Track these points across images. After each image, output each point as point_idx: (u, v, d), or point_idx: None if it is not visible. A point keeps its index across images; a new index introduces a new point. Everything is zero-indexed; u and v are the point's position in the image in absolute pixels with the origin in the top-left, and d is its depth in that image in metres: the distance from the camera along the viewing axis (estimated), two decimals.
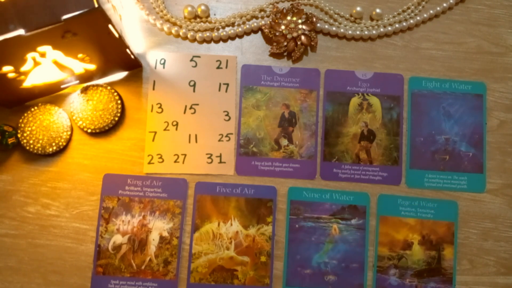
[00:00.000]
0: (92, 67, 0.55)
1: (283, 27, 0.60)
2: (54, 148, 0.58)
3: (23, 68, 0.49)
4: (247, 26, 0.61)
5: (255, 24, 0.61)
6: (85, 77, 0.57)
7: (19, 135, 0.58)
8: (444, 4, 0.63)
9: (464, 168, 0.59)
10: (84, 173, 0.58)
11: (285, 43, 0.60)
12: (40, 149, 0.57)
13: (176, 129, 0.59)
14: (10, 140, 0.57)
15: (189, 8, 0.61)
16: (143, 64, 0.60)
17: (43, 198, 0.58)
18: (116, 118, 0.58)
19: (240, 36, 0.62)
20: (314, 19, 0.60)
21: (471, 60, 0.62)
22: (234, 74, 0.61)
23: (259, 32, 0.62)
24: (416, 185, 0.59)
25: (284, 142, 0.60)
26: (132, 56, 0.56)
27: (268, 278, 0.57)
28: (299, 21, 0.60)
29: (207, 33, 0.61)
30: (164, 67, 0.61)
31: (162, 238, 0.57)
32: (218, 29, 0.62)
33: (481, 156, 0.60)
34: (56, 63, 0.51)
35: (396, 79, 0.61)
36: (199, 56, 0.61)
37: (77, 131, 0.59)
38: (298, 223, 0.58)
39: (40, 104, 0.58)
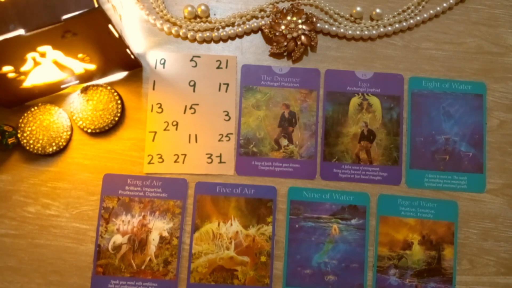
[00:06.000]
0: (92, 67, 0.55)
1: (283, 27, 0.60)
2: (54, 148, 0.58)
3: (23, 68, 0.49)
4: (247, 26, 0.61)
5: (255, 24, 0.61)
6: (85, 77, 0.57)
7: (19, 135, 0.58)
8: (444, 4, 0.63)
9: (464, 168, 0.59)
10: (84, 173, 0.58)
11: (285, 43, 0.60)
12: (40, 149, 0.57)
13: (176, 129, 0.59)
14: (10, 140, 0.57)
15: (189, 8, 0.61)
16: (143, 64, 0.60)
17: (43, 198, 0.58)
18: (116, 118, 0.58)
19: (240, 36, 0.62)
20: (314, 19, 0.60)
21: (471, 60, 0.62)
22: (234, 74, 0.61)
23: (259, 32, 0.62)
24: (416, 185, 0.59)
25: (284, 142, 0.60)
26: (132, 56, 0.56)
27: (268, 278, 0.57)
28: (299, 21, 0.60)
29: (207, 33, 0.61)
30: (164, 67, 0.61)
31: (162, 238, 0.57)
32: (218, 29, 0.62)
33: (481, 156, 0.60)
34: (56, 63, 0.51)
35: (396, 79, 0.61)
36: (199, 56, 0.61)
37: (77, 131, 0.59)
38: (298, 223, 0.58)
39: (40, 104, 0.58)
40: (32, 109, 0.58)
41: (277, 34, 0.60)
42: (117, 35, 0.50)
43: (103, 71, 0.58)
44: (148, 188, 0.58)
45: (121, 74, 0.60)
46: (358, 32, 0.61)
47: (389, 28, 0.62)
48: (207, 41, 0.62)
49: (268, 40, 0.62)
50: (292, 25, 0.60)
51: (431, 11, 0.62)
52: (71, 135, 0.59)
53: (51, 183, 0.58)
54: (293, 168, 0.59)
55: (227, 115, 0.60)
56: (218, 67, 0.61)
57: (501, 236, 0.58)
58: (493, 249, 0.58)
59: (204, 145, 0.59)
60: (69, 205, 0.58)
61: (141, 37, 0.61)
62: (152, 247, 0.57)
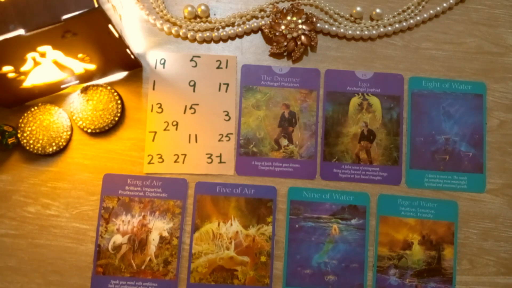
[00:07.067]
0: (92, 67, 0.55)
1: (283, 27, 0.60)
2: (54, 148, 0.58)
3: (23, 68, 0.49)
4: (247, 26, 0.61)
5: (255, 24, 0.61)
6: (85, 77, 0.57)
7: (19, 135, 0.58)
8: (444, 4, 0.63)
9: (464, 168, 0.59)
10: (84, 173, 0.58)
11: (285, 43, 0.60)
12: (40, 149, 0.57)
13: (176, 129, 0.59)
14: (10, 140, 0.57)
15: (189, 8, 0.61)
16: (143, 64, 0.60)
17: (43, 198, 0.58)
18: (116, 118, 0.58)
19: (240, 36, 0.62)
20: (314, 19, 0.60)
21: (471, 60, 0.62)
22: (234, 74, 0.61)
23: (259, 32, 0.62)
24: (416, 185, 0.59)
25: (284, 142, 0.60)
26: (132, 56, 0.56)
27: (268, 278, 0.57)
28: (299, 21, 0.60)
29: (207, 33, 0.61)
30: (164, 67, 0.61)
31: (162, 238, 0.57)
32: (218, 29, 0.62)
33: (481, 156, 0.60)
34: (56, 63, 0.51)
35: (396, 79, 0.61)
36: (199, 56, 0.61)
37: (77, 131, 0.59)
38: (298, 223, 0.58)
39: (40, 104, 0.58)
40: (32, 109, 0.58)
41: (277, 34, 0.60)
42: (117, 35, 0.50)
43: (103, 71, 0.58)
44: (148, 188, 0.58)
45: (121, 74, 0.60)
46: (358, 32, 0.61)
47: (389, 28, 0.62)
48: (207, 41, 0.62)
49: (268, 40, 0.62)
50: (292, 25, 0.60)
51: (431, 11, 0.62)
52: (71, 135, 0.59)
53: (51, 183, 0.58)
54: (293, 168, 0.59)
55: (227, 115, 0.60)
56: (218, 67, 0.61)
57: (501, 236, 0.58)
58: (493, 249, 0.58)
59: (204, 145, 0.59)
60: (69, 205, 0.58)
61: (141, 37, 0.61)
62: (152, 247, 0.57)
